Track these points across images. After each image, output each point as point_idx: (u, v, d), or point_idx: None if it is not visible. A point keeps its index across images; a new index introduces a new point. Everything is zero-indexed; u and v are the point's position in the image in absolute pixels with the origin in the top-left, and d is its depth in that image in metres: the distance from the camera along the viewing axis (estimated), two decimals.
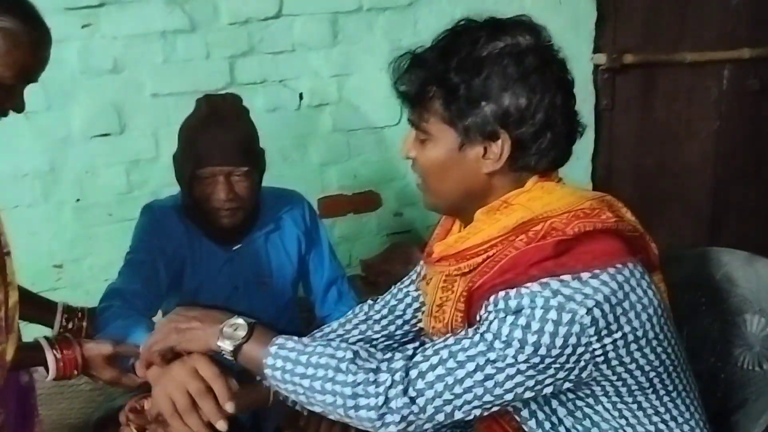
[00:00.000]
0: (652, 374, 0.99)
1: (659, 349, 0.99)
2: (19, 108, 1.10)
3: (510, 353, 0.93)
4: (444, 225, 1.17)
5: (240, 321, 1.06)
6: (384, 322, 1.30)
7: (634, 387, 0.99)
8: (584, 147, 2.71)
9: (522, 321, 0.93)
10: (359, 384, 0.98)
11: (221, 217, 1.57)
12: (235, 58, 2.21)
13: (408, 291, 1.30)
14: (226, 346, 1.05)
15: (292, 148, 2.34)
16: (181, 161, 1.60)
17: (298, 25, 2.25)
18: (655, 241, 1.09)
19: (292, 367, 1.01)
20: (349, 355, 1.01)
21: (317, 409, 1.02)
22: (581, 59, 2.62)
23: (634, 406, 1.01)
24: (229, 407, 1.07)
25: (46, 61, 1.12)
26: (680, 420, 1.05)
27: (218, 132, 1.54)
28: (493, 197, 1.04)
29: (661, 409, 1.03)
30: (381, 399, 0.96)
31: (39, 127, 2.08)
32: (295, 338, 1.06)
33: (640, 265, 1.00)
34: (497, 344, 0.94)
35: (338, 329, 1.31)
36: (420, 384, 0.96)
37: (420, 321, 1.26)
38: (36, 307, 1.37)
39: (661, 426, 1.03)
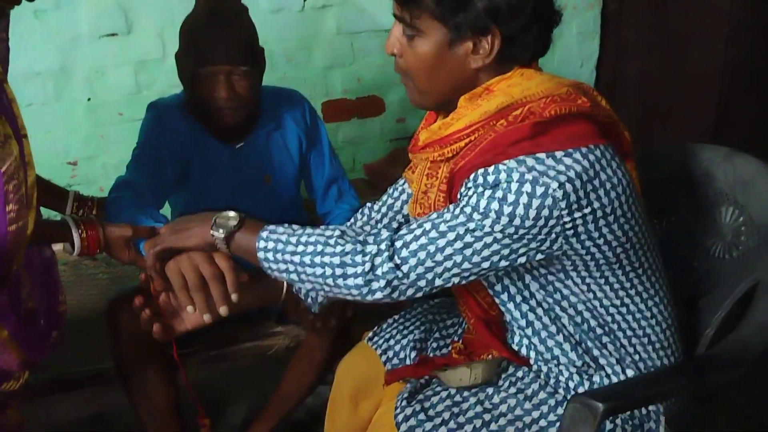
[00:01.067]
0: (618, 249, 1.06)
1: (626, 226, 1.05)
2: None
3: (487, 223, 0.99)
4: (428, 119, 1.21)
5: (231, 213, 1.13)
6: (385, 220, 1.37)
7: (601, 261, 1.06)
8: (589, 52, 2.71)
9: (499, 194, 0.98)
10: (347, 254, 1.04)
11: (223, 116, 1.61)
12: None
13: (403, 188, 1.35)
14: (219, 234, 1.12)
15: (296, 50, 2.36)
16: (183, 60, 1.63)
17: None
18: (627, 131, 1.13)
19: (283, 246, 1.07)
20: (337, 232, 1.08)
21: (308, 286, 1.09)
22: None
23: (602, 281, 1.09)
24: (234, 297, 1.17)
25: None
26: (644, 296, 1.12)
27: (217, 31, 1.55)
28: (477, 85, 1.08)
29: (627, 284, 1.10)
30: (368, 266, 1.02)
31: (49, 26, 2.11)
32: (285, 225, 1.12)
33: (611, 148, 1.05)
34: (476, 215, 0.99)
35: None
36: (404, 252, 1.02)
37: None
38: (48, 193, 1.44)
39: (626, 300, 1.11)
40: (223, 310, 1.16)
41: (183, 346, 1.64)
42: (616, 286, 1.10)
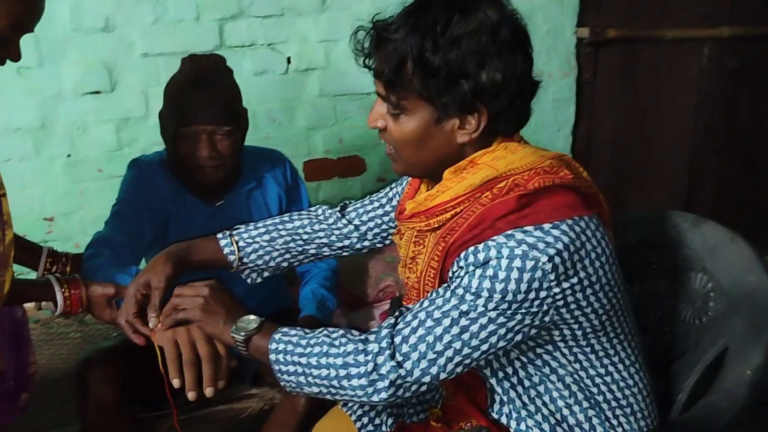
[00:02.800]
0: (603, 317, 1.07)
1: (610, 294, 1.06)
2: (16, 57, 1.14)
3: (480, 303, 0.99)
4: (412, 184, 1.23)
5: (252, 317, 1.14)
6: (371, 228, 1.36)
7: (588, 329, 1.07)
8: (565, 118, 2.78)
9: (490, 272, 0.98)
10: (349, 354, 1.04)
11: (204, 174, 1.63)
12: (224, 20, 2.26)
13: (388, 197, 1.36)
14: (240, 337, 1.12)
15: (279, 111, 2.40)
16: (166, 119, 1.65)
17: None
18: (611, 201, 1.16)
19: (292, 348, 1.08)
20: (341, 331, 1.08)
21: (314, 390, 1.08)
22: (565, 32, 2.67)
23: (588, 349, 1.09)
24: (221, 384, 1.17)
25: (40, 12, 1.15)
26: (627, 362, 1.13)
27: (202, 92, 1.59)
28: (462, 159, 1.09)
29: (611, 351, 1.11)
30: (370, 366, 1.02)
31: (31, 83, 2.13)
32: (298, 328, 1.12)
33: (595, 218, 1.07)
34: (468, 296, 1.00)
35: (307, 227, 1.35)
36: (405, 348, 1.02)
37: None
38: (22, 249, 1.43)
39: (610, 368, 1.12)
40: (209, 392, 1.15)
41: (153, 407, 1.61)
42: (601, 353, 1.10)
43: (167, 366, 1.15)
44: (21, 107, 2.14)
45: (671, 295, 1.33)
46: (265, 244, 1.33)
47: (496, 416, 1.16)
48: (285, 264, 1.36)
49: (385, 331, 1.05)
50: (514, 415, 1.13)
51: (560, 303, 1.02)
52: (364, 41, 1.07)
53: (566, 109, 2.78)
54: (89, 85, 2.19)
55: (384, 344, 1.03)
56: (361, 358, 1.03)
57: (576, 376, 1.11)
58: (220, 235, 1.34)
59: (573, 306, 1.03)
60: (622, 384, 1.13)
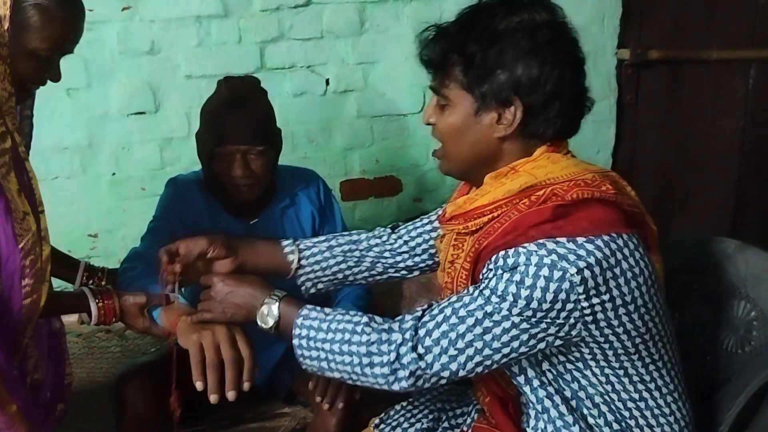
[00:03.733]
0: (638, 340, 1.05)
1: (647, 317, 1.04)
2: (56, 78, 1.18)
3: (505, 306, 0.99)
4: (460, 190, 1.25)
5: (270, 303, 1.15)
6: (414, 247, 1.37)
7: (620, 350, 1.05)
8: (605, 140, 2.75)
9: (517, 277, 0.99)
10: (373, 343, 1.05)
11: (239, 192, 1.66)
12: (265, 43, 2.31)
13: (431, 222, 1.36)
14: (268, 327, 1.16)
15: (317, 132, 2.44)
16: (202, 139, 1.69)
17: (327, 13, 2.34)
18: (656, 224, 1.14)
19: (315, 334, 1.10)
20: (365, 319, 1.09)
21: (336, 375, 1.10)
22: (605, 54, 2.65)
23: (620, 372, 1.07)
24: (246, 386, 1.17)
25: (79, 35, 1.18)
26: (664, 390, 1.10)
27: (236, 113, 1.62)
28: (503, 163, 1.11)
29: (646, 377, 1.08)
30: (393, 355, 1.04)
31: (80, 103, 2.21)
32: (318, 308, 1.14)
33: (637, 238, 1.05)
34: (494, 299, 1.00)
35: (363, 241, 1.39)
36: (428, 341, 1.03)
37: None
38: (60, 263, 1.47)
39: (645, 394, 1.09)
40: (231, 395, 1.15)
41: (189, 424, 1.63)
42: (635, 378, 1.08)
43: (194, 369, 1.16)
44: (69, 127, 2.22)
45: (713, 323, 1.29)
46: (324, 249, 1.36)
47: (530, 431, 1.14)
48: (340, 276, 1.37)
49: (410, 323, 1.06)
50: (550, 428, 1.11)
51: (589, 318, 1.00)
52: (424, 35, 1.13)
53: (606, 131, 2.74)
54: (134, 105, 2.25)
55: (407, 335, 1.05)
56: (384, 347, 1.05)
57: (607, 397, 1.09)
58: (282, 240, 1.36)
59: (603, 324, 1.01)
60: (657, 411, 1.10)
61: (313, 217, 1.80)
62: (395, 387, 1.06)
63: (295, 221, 1.78)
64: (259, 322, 1.16)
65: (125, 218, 2.31)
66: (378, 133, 2.49)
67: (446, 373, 1.04)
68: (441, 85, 1.11)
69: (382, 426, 1.33)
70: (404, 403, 1.36)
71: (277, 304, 1.15)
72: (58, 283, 1.53)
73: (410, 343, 1.04)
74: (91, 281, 1.52)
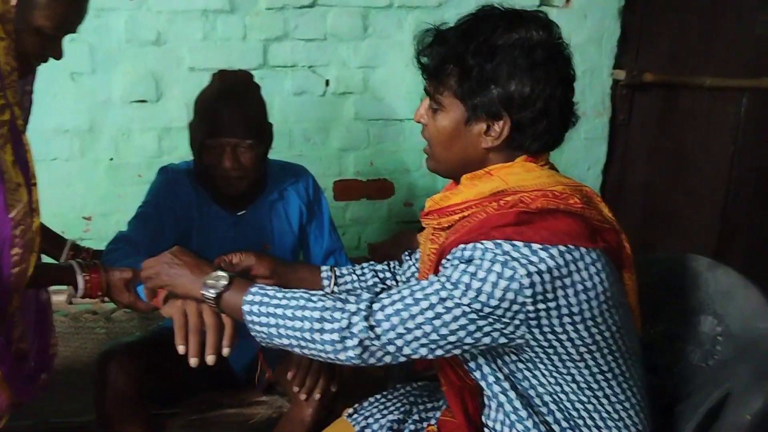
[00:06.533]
0: (582, 349, 1.08)
1: (594, 330, 1.07)
2: (58, 55, 1.21)
3: (457, 294, 1.04)
4: (448, 187, 1.27)
5: (222, 273, 1.20)
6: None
7: (565, 357, 1.09)
8: (596, 158, 2.80)
9: (471, 269, 1.04)
10: (327, 309, 1.09)
11: (227, 184, 1.69)
12: (269, 41, 2.35)
13: (410, 266, 1.41)
14: (210, 294, 1.18)
15: (314, 131, 2.48)
16: (194, 130, 1.72)
17: (332, 15, 2.39)
18: (642, 243, 1.17)
19: (269, 300, 1.13)
20: (321, 292, 1.14)
21: (284, 341, 1.13)
22: (601, 73, 2.71)
23: (568, 378, 1.11)
24: (226, 352, 1.21)
25: (84, 15, 1.22)
26: (613, 399, 1.14)
27: (227, 106, 1.66)
28: (485, 168, 1.15)
29: (594, 386, 1.12)
30: (345, 322, 1.07)
31: (83, 88, 2.25)
32: (276, 288, 1.18)
33: (597, 253, 1.08)
34: (447, 285, 1.05)
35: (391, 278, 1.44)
36: (380, 315, 1.07)
37: None
38: (48, 240, 1.49)
39: (594, 400, 1.13)
40: (210, 359, 1.20)
41: (167, 406, 1.67)
42: (583, 385, 1.12)
43: (177, 333, 1.20)
44: (71, 110, 2.26)
45: (681, 337, 1.33)
46: (356, 278, 1.43)
47: (491, 423, 1.18)
48: None
49: (366, 296, 1.10)
50: (507, 421, 1.15)
51: (533, 323, 1.04)
52: (424, 39, 1.16)
53: (598, 149, 2.79)
54: (137, 93, 2.29)
55: (362, 306, 1.08)
56: (337, 314, 1.08)
57: (556, 397, 1.13)
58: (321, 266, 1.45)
59: (547, 329, 1.05)
60: (605, 416, 1.14)
61: (301, 212, 1.84)
62: (341, 356, 1.09)
63: (282, 215, 1.82)
64: (202, 291, 1.18)
65: (120, 203, 2.34)
66: (374, 136, 2.53)
67: (392, 348, 1.07)
68: (435, 91, 1.15)
69: (355, 416, 1.36)
70: (378, 396, 1.41)
71: (227, 275, 1.19)
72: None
73: (363, 313, 1.07)
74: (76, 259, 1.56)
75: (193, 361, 1.20)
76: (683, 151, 2.88)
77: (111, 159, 2.33)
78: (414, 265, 1.41)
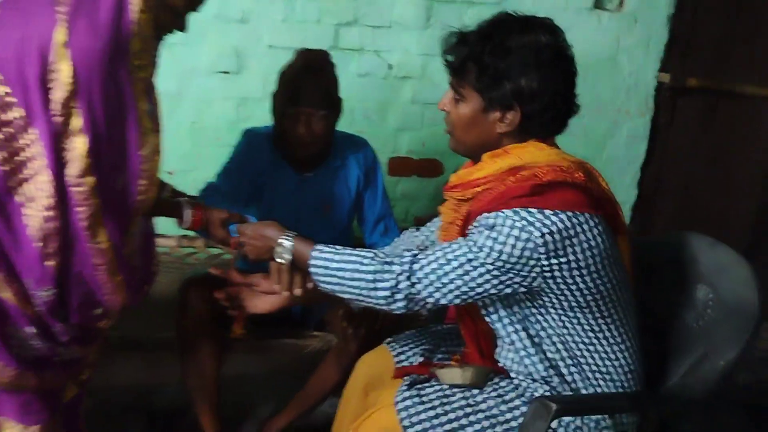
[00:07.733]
0: (588, 297, 1.30)
1: (598, 281, 1.29)
2: (183, 29, 1.45)
3: (482, 255, 1.25)
4: (466, 165, 1.49)
5: (285, 244, 1.39)
6: (420, 245, 1.64)
7: (573, 304, 1.30)
8: (636, 155, 2.95)
9: (494, 234, 1.25)
10: (377, 272, 1.30)
11: (300, 148, 1.94)
12: (340, 25, 2.60)
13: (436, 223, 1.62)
14: (284, 261, 1.40)
15: (374, 111, 2.71)
16: (277, 99, 1.98)
17: (399, 5, 2.61)
18: (621, 211, 1.40)
19: (328, 264, 1.34)
20: (370, 254, 1.35)
21: (346, 296, 1.35)
22: (647, 75, 2.86)
23: (575, 321, 1.33)
24: (310, 285, 1.41)
25: None
26: (611, 341, 1.35)
27: (307, 80, 1.91)
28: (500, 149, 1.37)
29: (596, 328, 1.34)
30: (392, 282, 1.29)
31: (175, 56, 2.51)
32: (328, 246, 1.37)
33: (597, 218, 1.29)
34: (474, 248, 1.26)
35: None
36: (419, 274, 1.29)
37: None
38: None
39: (594, 341, 1.35)
40: (297, 291, 1.43)
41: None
42: (586, 327, 1.33)
43: (273, 275, 1.43)
44: (163, 76, 2.48)
45: (678, 302, 1.53)
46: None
47: (501, 361, 1.41)
48: None
49: (407, 258, 1.31)
50: (516, 357, 1.38)
51: (548, 275, 1.26)
52: (448, 40, 1.37)
53: (638, 147, 2.95)
54: (220, 65, 2.56)
55: (405, 268, 1.30)
56: (386, 276, 1.30)
57: (563, 338, 1.34)
58: None
59: (559, 280, 1.27)
60: (604, 356, 1.35)
61: (359, 179, 2.07)
62: (393, 307, 1.30)
63: (343, 179, 2.05)
64: (276, 259, 1.41)
65: (199, 162, 2.60)
66: (428, 118, 2.74)
67: (431, 300, 1.30)
68: (458, 84, 1.35)
69: (393, 344, 1.61)
70: (414, 331, 1.65)
71: (291, 242, 1.39)
72: None
73: (407, 274, 1.28)
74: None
75: (285, 294, 1.43)
76: (720, 155, 2.99)
77: (193, 122, 2.62)
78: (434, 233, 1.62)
